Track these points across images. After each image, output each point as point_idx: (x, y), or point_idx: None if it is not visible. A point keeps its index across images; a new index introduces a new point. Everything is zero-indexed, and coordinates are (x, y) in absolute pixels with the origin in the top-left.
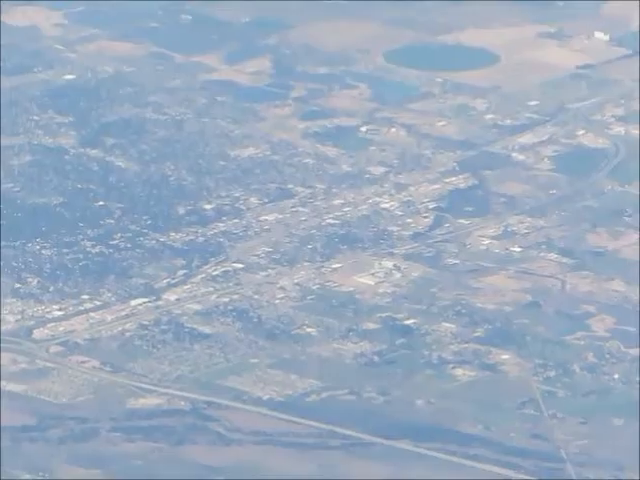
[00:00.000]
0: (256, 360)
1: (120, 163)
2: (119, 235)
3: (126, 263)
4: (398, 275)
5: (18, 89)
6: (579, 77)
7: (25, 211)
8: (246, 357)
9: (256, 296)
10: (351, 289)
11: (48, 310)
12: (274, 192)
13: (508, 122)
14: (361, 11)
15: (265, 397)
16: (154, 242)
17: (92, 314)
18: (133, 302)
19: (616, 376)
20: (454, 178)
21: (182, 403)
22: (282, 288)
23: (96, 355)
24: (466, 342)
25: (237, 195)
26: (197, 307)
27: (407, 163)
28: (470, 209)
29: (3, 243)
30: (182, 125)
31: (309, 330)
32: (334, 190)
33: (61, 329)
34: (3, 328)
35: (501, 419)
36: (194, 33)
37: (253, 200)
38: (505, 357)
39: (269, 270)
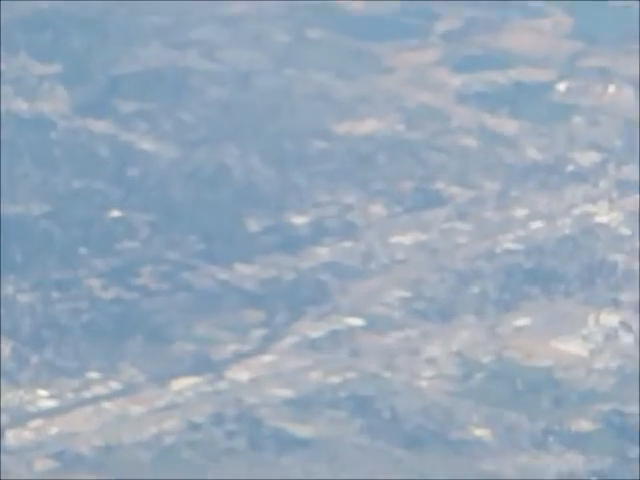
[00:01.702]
0: None
1: (146, 145)
2: (149, 269)
3: (162, 317)
4: (628, 338)
5: None
6: None
7: None
8: (373, 477)
9: (387, 374)
10: (548, 363)
11: (30, 398)
12: (412, 195)
13: None
14: None
15: None
16: (209, 281)
17: (106, 404)
18: (176, 384)
19: None
20: None
21: None
22: (431, 361)
23: (114, 474)
24: None
25: (349, 200)
26: (287, 393)
27: (637, 146)
28: None
29: None
30: (249, 80)
31: (479, 433)
32: (514, 192)
33: (53, 431)
34: None
35: None
36: None
37: (377, 209)
38: None
39: (407, 330)
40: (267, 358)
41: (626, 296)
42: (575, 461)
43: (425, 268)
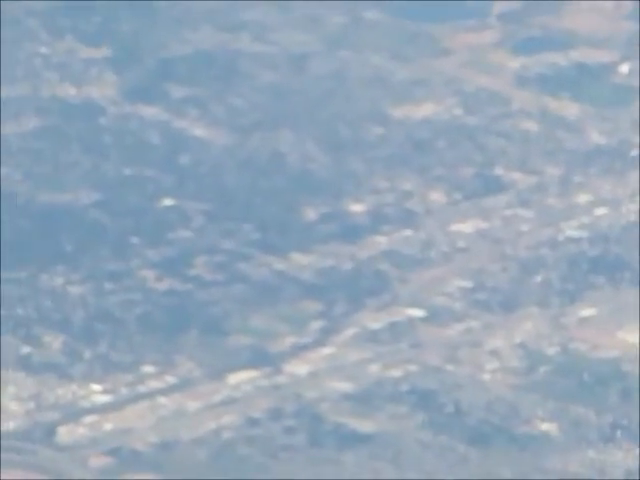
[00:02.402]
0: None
1: (198, 131)
2: (203, 259)
3: (218, 309)
4: None
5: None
6: None
7: (34, 216)
8: (437, 473)
9: (449, 367)
10: (615, 354)
11: (82, 392)
12: (472, 182)
13: None
14: None
15: None
16: (265, 271)
17: (161, 399)
18: (232, 378)
19: None
20: None
21: None
22: (494, 353)
23: (170, 470)
24: None
25: (408, 187)
26: (347, 387)
27: None
28: None
29: (2, 274)
30: (304, 63)
31: (545, 427)
32: (577, 178)
33: (107, 427)
34: (6, 426)
35: None
36: None
37: (436, 196)
38: None
39: (469, 321)
40: (326, 351)
41: None
42: None
43: (487, 257)
